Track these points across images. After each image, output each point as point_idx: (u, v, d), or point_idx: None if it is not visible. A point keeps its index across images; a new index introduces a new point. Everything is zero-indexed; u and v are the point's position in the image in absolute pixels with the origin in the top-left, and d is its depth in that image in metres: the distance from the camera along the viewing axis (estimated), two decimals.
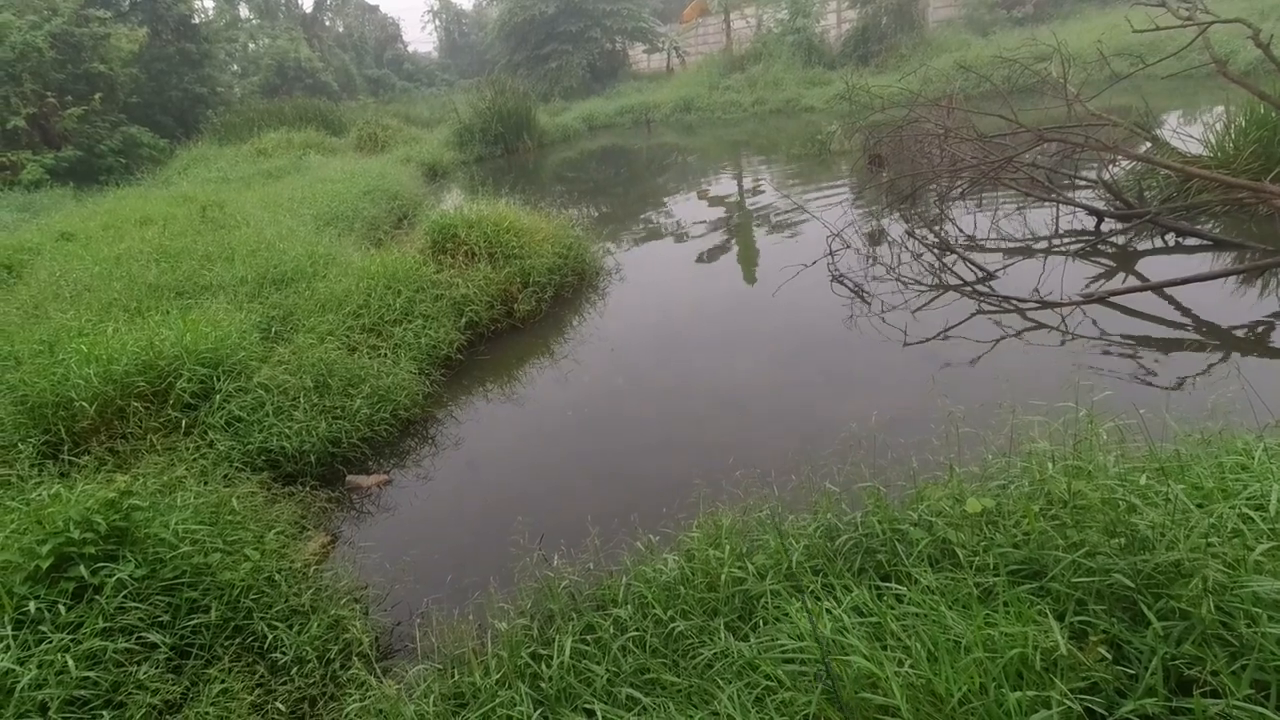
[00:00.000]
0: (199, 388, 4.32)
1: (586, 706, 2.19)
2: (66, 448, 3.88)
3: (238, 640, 2.65)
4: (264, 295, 5.89)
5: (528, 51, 29.89)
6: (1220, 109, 9.67)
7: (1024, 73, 8.27)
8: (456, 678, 2.40)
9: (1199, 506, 1.88)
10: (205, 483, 3.53)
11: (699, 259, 8.01)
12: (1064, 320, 4.97)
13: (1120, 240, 6.27)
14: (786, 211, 9.36)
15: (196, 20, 23.96)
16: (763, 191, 11.38)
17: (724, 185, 12.52)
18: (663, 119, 23.27)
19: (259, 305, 5.64)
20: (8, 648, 2.31)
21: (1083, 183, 7.03)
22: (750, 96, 21.89)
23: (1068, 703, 1.53)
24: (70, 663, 2.28)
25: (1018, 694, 1.59)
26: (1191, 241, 5.91)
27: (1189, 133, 7.08)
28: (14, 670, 2.23)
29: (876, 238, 7.39)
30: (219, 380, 4.37)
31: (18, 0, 17.13)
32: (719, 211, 10.27)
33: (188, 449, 3.90)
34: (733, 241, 8.59)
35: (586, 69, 29.10)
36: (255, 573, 2.90)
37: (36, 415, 4.05)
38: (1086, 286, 5.48)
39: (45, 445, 3.94)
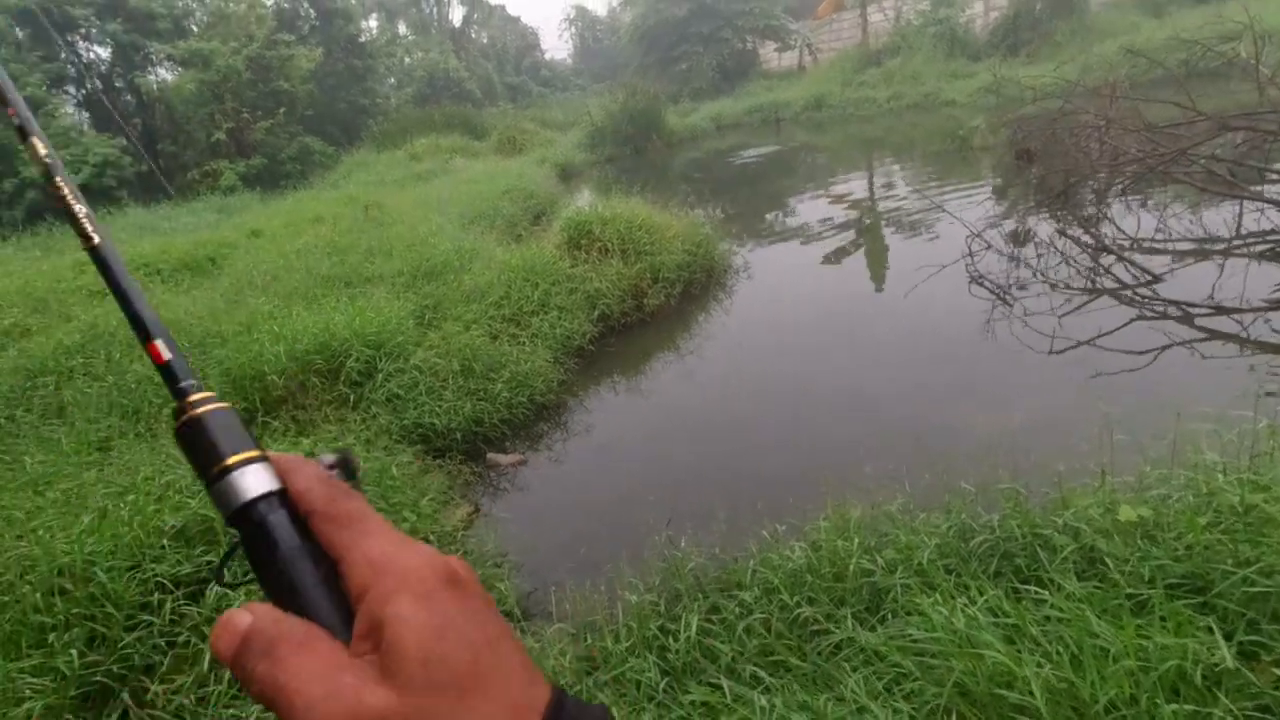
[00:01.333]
0: (364, 367, 4.83)
1: (712, 681, 2.28)
2: (259, 415, 4.48)
3: None
4: (417, 286, 6.46)
5: (659, 54, 30.35)
6: None
7: (1206, 55, 7.44)
8: (589, 641, 2.58)
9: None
10: (369, 451, 3.96)
11: (825, 260, 7.87)
12: (1245, 329, 4.47)
13: None
14: (921, 211, 8.98)
15: (363, 39, 26.34)
16: (895, 191, 10.96)
17: (854, 184, 12.17)
18: (793, 117, 22.88)
19: (413, 295, 6.18)
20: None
21: (1275, 176, 6.24)
22: (886, 92, 21.03)
23: None
24: None
25: (1174, 706, 1.52)
26: None
27: None
28: (228, 594, 2.65)
29: (1021, 238, 6.93)
30: (381, 361, 4.86)
31: (222, 30, 19.62)
32: (849, 212, 10.02)
33: (355, 421, 4.39)
34: (862, 242, 8.36)
35: (716, 69, 29.14)
36: (413, 533, 3.23)
37: (238, 386, 4.70)
38: (1274, 291, 4.88)
39: (244, 411, 4.56)
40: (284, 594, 0.37)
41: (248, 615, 0.35)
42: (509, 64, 40.62)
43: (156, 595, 2.67)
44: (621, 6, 37.30)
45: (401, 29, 34.91)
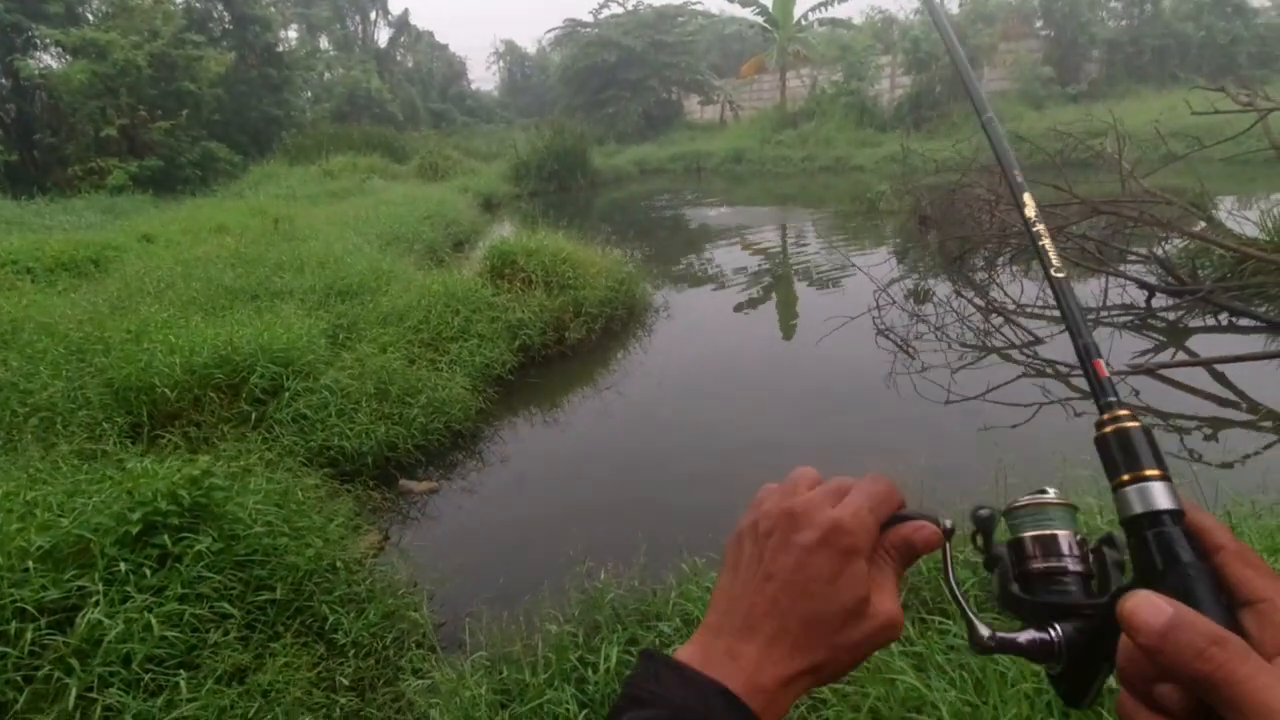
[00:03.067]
0: (270, 384, 4.57)
1: None
2: (146, 429, 4.13)
3: (300, 620, 2.79)
4: (330, 304, 6.20)
5: (587, 96, 30.98)
6: (1279, 195, 9.64)
7: (1078, 147, 8.39)
8: (505, 674, 2.50)
9: None
10: (271, 473, 3.73)
11: (738, 308, 8.17)
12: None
13: (1171, 316, 6.27)
14: (830, 265, 9.51)
15: (280, 49, 25.44)
16: (807, 244, 11.57)
17: (769, 236, 12.75)
18: (713, 168, 23.81)
19: (325, 313, 5.94)
20: (98, 602, 2.48)
21: (1134, 257, 7.06)
22: (801, 152, 22.32)
23: None
24: (153, 621, 2.44)
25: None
26: (1245, 322, 5.89)
27: (1245, 215, 7.10)
28: (103, 622, 2.40)
29: (921, 296, 7.48)
30: (288, 379, 4.61)
31: (123, 22, 18.45)
32: (763, 261, 10.47)
33: (257, 441, 4.12)
34: (775, 291, 8.75)
35: (642, 116, 30.02)
36: (318, 558, 3.05)
37: (122, 398, 4.33)
38: (1134, 358, 5.48)
39: (128, 425, 4.20)
40: (1181, 599, 0.38)
41: (1168, 604, 0.36)
42: (434, 90, 40.26)
43: (14, 624, 2.38)
44: (551, 46, 37.95)
45: (324, 43, 34.00)
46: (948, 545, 0.49)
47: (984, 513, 0.50)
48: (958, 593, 0.50)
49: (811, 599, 0.44)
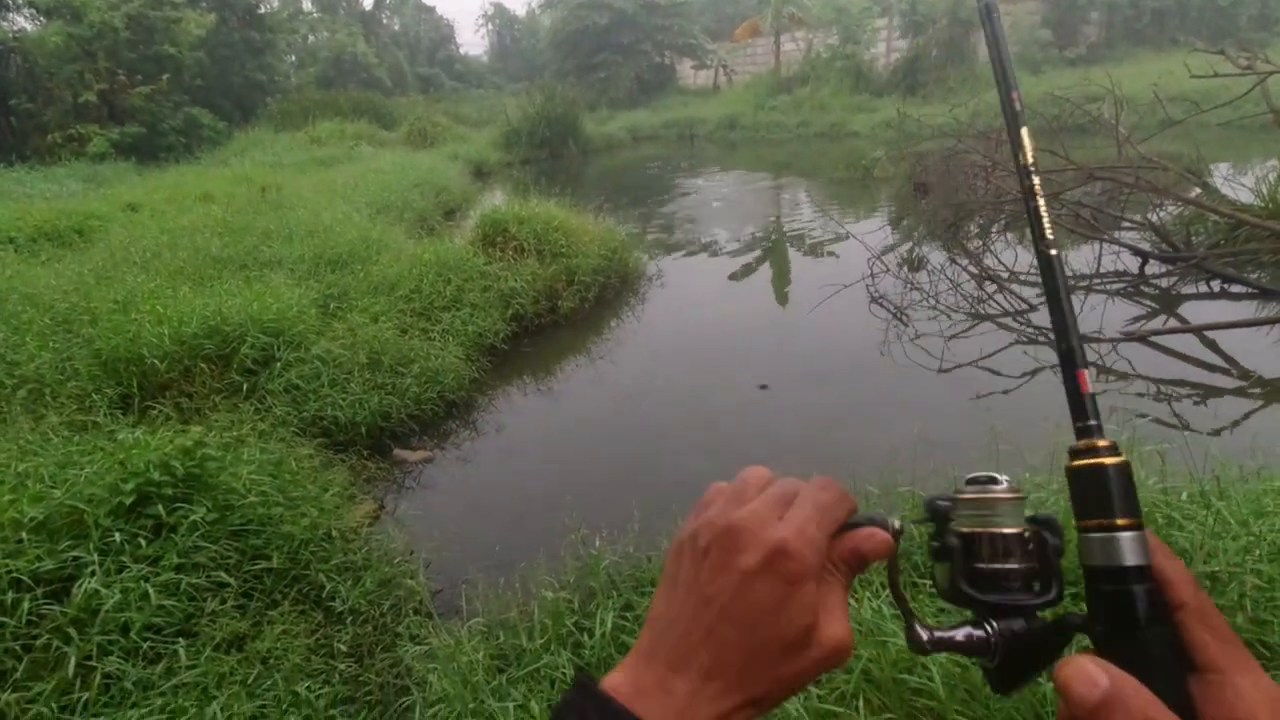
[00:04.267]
0: (260, 355, 4.53)
1: None
2: (138, 401, 4.10)
3: (297, 588, 2.81)
4: (320, 274, 6.14)
5: (578, 60, 30.41)
6: (1274, 161, 9.61)
7: (1075, 112, 8.30)
8: (502, 639, 2.53)
9: (1240, 524, 1.96)
10: (264, 443, 3.72)
11: (732, 276, 8.13)
12: (1102, 358, 5.00)
13: (1164, 283, 6.28)
14: (824, 233, 9.46)
15: (262, 10, 24.76)
16: (801, 212, 11.49)
17: (763, 204, 12.65)
18: (707, 134, 23.51)
19: (316, 283, 5.87)
20: (94, 573, 2.48)
21: (1128, 224, 7.04)
22: (795, 118, 22.05)
23: None
24: (150, 590, 2.45)
25: (1050, 684, 1.68)
26: (1237, 289, 5.90)
27: (1241, 181, 7.07)
28: (100, 592, 2.41)
29: (915, 264, 7.45)
30: (279, 349, 4.58)
31: None
32: (756, 230, 10.40)
33: (249, 411, 4.11)
34: (769, 259, 8.70)
35: (634, 81, 29.53)
36: (313, 528, 3.06)
37: (111, 369, 4.29)
38: (1127, 325, 5.50)
39: (117, 396, 4.17)
40: (1133, 666, 0.37)
41: (1104, 675, 0.36)
42: (421, 54, 39.42)
43: (11, 594, 2.38)
44: (541, 9, 37.12)
45: (307, 5, 33.12)
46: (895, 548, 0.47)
47: (942, 504, 0.48)
48: (904, 597, 0.48)
49: (752, 630, 0.40)
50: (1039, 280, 0.45)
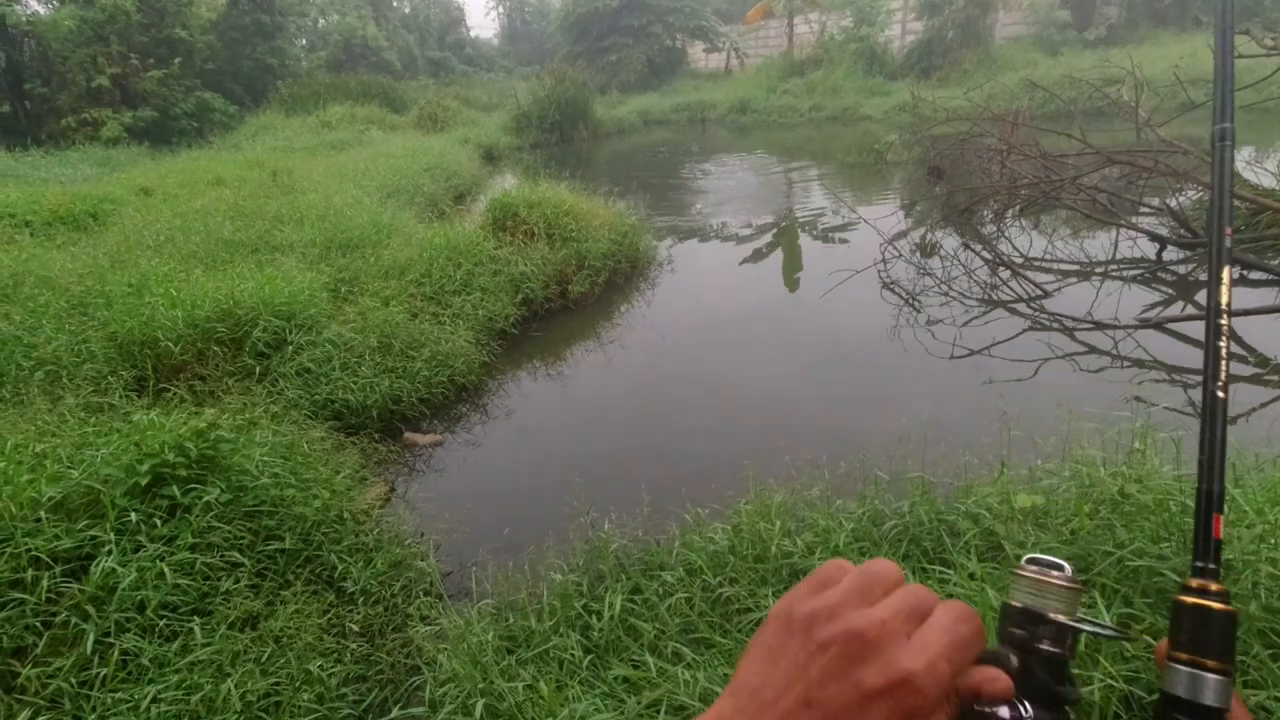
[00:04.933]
0: (273, 338, 4.57)
1: (635, 658, 2.32)
2: (152, 383, 4.15)
3: (309, 569, 2.85)
4: (331, 258, 6.15)
5: (588, 43, 30.13)
6: None
7: (1094, 94, 8.16)
8: (511, 620, 2.55)
9: (1256, 513, 1.94)
10: (276, 426, 3.75)
11: (743, 261, 8.09)
12: (1116, 345, 4.94)
13: (1181, 270, 6.18)
14: (836, 218, 9.38)
15: None
16: (812, 197, 11.39)
17: (774, 188, 12.54)
18: (718, 118, 23.29)
19: (327, 266, 5.90)
20: (110, 551, 2.52)
21: (1146, 209, 6.93)
22: (808, 102, 21.78)
23: (1110, 682, 1.61)
24: (165, 569, 2.48)
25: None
26: (1257, 275, 5.81)
27: (1263, 166, 6.94)
28: (117, 570, 2.45)
29: (928, 249, 7.38)
30: (291, 333, 4.61)
31: None
32: (767, 214, 10.32)
33: (261, 394, 4.14)
34: (780, 244, 8.64)
35: (645, 64, 29.25)
36: (325, 509, 3.09)
37: (125, 351, 4.33)
38: (1142, 313, 5.43)
39: (132, 379, 4.22)
40: None
41: None
42: (432, 38, 39.18)
43: (30, 572, 2.43)
44: None
45: None
46: None
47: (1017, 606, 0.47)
48: None
49: None
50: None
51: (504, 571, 2.85)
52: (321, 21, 33.01)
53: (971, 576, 2.16)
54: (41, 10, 18.92)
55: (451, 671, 2.22)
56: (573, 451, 4.35)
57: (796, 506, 2.82)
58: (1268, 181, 6.50)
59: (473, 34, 45.26)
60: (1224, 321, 0.50)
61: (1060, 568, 0.46)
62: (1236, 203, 6.10)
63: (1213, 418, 0.49)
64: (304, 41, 31.80)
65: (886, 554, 2.46)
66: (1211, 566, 0.47)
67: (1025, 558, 0.48)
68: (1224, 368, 0.49)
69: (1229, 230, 0.51)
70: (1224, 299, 0.50)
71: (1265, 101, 7.20)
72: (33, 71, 18.27)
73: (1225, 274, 0.51)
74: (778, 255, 8.27)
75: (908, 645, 0.39)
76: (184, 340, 4.35)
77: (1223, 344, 0.50)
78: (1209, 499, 0.48)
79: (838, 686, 0.39)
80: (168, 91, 18.15)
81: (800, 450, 3.59)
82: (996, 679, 0.41)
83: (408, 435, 4.37)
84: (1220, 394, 0.49)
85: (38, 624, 2.33)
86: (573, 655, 2.33)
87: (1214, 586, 0.46)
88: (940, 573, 2.24)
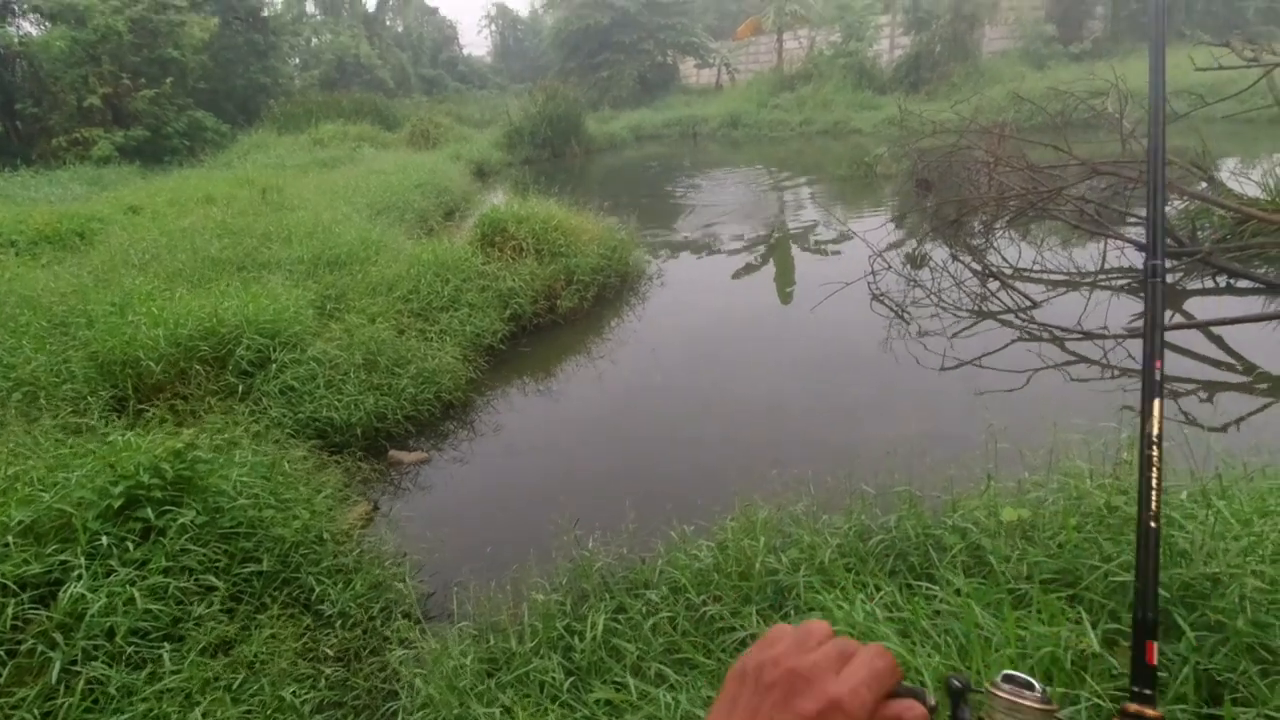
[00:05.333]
0: (256, 356, 4.52)
1: (617, 680, 2.26)
2: (132, 403, 4.09)
3: (286, 591, 2.78)
4: (318, 275, 6.12)
5: (580, 60, 30.36)
6: None
7: (1079, 107, 8.23)
8: (492, 642, 2.50)
9: (1240, 524, 1.90)
10: (258, 445, 3.70)
11: (735, 274, 8.08)
12: (1106, 355, 4.93)
13: (1169, 279, 6.20)
14: (827, 231, 9.40)
15: (265, 13, 24.83)
16: (804, 210, 11.43)
17: (765, 202, 12.58)
18: (709, 133, 23.44)
19: (313, 284, 5.86)
20: (80, 576, 2.46)
21: (1133, 219, 6.96)
22: (798, 116, 21.95)
23: (1099, 701, 1.57)
24: (136, 595, 2.42)
25: (1049, 689, 1.63)
26: (1244, 284, 5.82)
27: (1248, 175, 6.98)
28: (86, 597, 2.38)
29: (918, 261, 7.39)
30: (275, 351, 4.56)
31: None
32: (759, 228, 10.34)
33: (244, 413, 4.09)
34: (771, 257, 8.65)
35: (637, 80, 29.46)
36: (305, 530, 3.03)
37: (106, 371, 4.28)
38: (1131, 322, 5.43)
39: (112, 399, 4.16)
40: None
41: None
42: (425, 56, 39.42)
43: None
44: (544, 8, 37.05)
45: (310, 7, 33.15)
46: None
47: (956, 684, 0.54)
48: None
49: None
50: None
51: (486, 591, 2.79)
52: (315, 40, 33.19)
53: (958, 593, 2.12)
54: (34, 31, 18.98)
55: (427, 697, 2.16)
56: (560, 468, 4.30)
57: (782, 522, 2.78)
58: (1252, 191, 6.54)
59: (465, 51, 45.57)
60: (1154, 453, 0.52)
61: (1033, 687, 0.51)
62: (1223, 212, 6.13)
63: (1146, 548, 0.52)
64: (297, 60, 31.96)
65: (873, 570, 2.42)
66: (1149, 693, 0.50)
67: (1001, 674, 0.53)
68: (1155, 499, 0.51)
69: (1159, 364, 0.54)
70: (1155, 429, 0.52)
71: (1247, 112, 7.26)
72: (24, 92, 18.26)
73: (1156, 406, 0.53)
74: (769, 268, 8.27)
75: (836, 678, 0.48)
76: (166, 359, 4.30)
77: (1154, 475, 0.51)
78: (1143, 627, 0.51)
79: (783, 716, 0.47)
80: (159, 110, 18.17)
81: (789, 464, 3.55)
82: (912, 707, 0.49)
83: (393, 453, 4.32)
84: (1153, 524, 0.52)
85: (2, 653, 2.26)
86: (553, 678, 2.28)
87: (1150, 712, 0.49)
88: (926, 589, 2.19)
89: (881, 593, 2.21)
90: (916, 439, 3.32)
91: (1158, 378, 0.51)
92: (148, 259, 6.32)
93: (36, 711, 2.10)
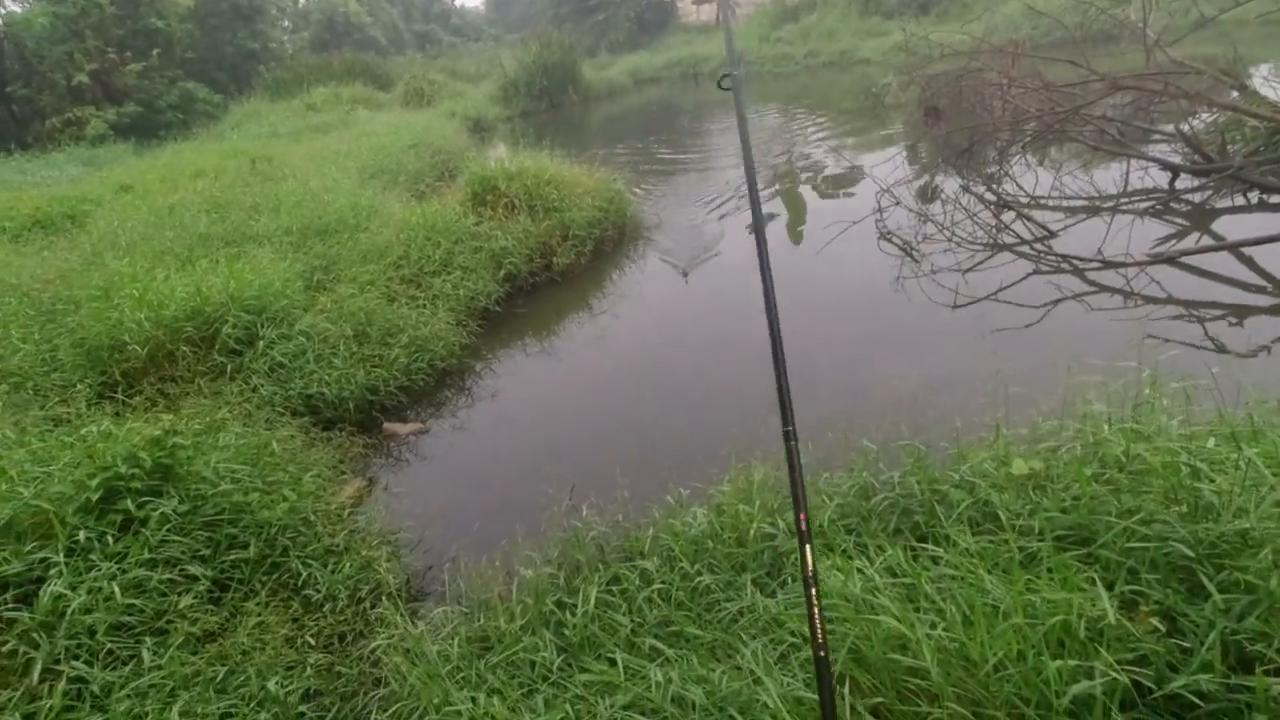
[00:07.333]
0: (244, 334, 4.42)
1: (609, 655, 2.17)
2: (120, 388, 4.02)
3: (274, 576, 2.72)
4: (307, 245, 5.97)
5: (575, 4, 29.29)
6: None
7: (1100, 17, 7.68)
8: (482, 621, 2.42)
9: (1274, 474, 1.73)
10: (247, 425, 3.62)
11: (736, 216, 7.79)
12: (1129, 282, 4.66)
13: (1196, 198, 5.84)
14: (836, 167, 9.01)
15: None
16: (813, 147, 10.99)
17: (772, 140, 12.12)
18: (711, 73, 22.59)
19: (302, 255, 5.72)
20: (60, 573, 2.41)
21: (1158, 137, 6.53)
22: (803, 48, 21.06)
23: (1113, 674, 1.44)
24: (116, 590, 2.36)
25: (1058, 663, 1.50)
26: (1276, 199, 5.46)
27: None
28: (66, 595, 2.33)
29: (929, 194, 7.05)
30: (263, 327, 4.45)
31: None
32: (764, 168, 9.96)
33: (232, 393, 4.01)
34: (776, 199, 8.32)
35: (634, 22, 28.42)
36: (292, 512, 2.96)
37: (93, 357, 4.21)
38: (1155, 246, 5.12)
39: (101, 385, 4.09)
40: None
41: None
42: (416, 10, 38.30)
43: None
44: None
45: None
46: None
47: None
48: None
49: None
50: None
51: (478, 567, 2.71)
52: (302, 1, 32.33)
53: (965, 553, 1.98)
54: (17, 9, 18.61)
55: (410, 685, 2.09)
56: (557, 433, 4.19)
57: (780, 482, 2.64)
58: None
59: (459, 3, 44.23)
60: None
61: None
62: (1255, 123, 5.72)
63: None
64: (286, 23, 31.18)
65: (875, 529, 2.28)
66: None
67: None
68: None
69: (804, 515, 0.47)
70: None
71: None
72: (13, 74, 18.01)
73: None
74: (779, 210, 7.96)
75: None
76: (152, 342, 4.21)
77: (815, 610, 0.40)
78: None
79: None
80: (150, 84, 17.86)
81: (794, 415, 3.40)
82: None
83: (387, 425, 4.23)
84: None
85: None
86: (544, 657, 2.20)
87: None
88: (932, 551, 2.06)
89: (884, 556, 2.08)
90: (923, 385, 3.15)
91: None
92: (135, 239, 6.20)
93: (19, 715, 2.06)
